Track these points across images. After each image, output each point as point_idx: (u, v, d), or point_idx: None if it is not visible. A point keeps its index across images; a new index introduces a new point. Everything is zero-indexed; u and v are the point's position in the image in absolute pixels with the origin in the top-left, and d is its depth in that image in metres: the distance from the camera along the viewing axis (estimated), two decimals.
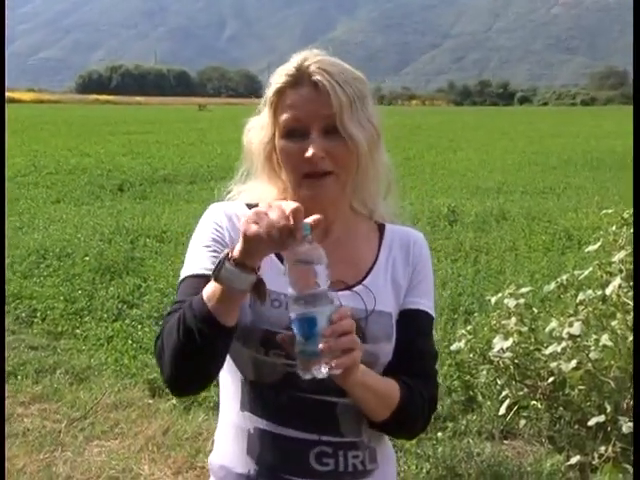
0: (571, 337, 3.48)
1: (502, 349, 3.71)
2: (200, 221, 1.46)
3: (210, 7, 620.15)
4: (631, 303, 3.03)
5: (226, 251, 1.19)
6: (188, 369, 1.25)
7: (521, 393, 3.76)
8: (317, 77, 1.33)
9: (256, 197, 1.45)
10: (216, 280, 1.19)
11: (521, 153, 21.61)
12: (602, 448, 3.40)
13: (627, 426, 3.18)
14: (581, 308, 3.61)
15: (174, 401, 4.29)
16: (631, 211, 3.24)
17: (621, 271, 3.39)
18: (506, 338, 3.72)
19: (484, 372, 3.97)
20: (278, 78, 1.38)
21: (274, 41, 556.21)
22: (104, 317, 5.77)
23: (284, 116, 1.35)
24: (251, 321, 1.32)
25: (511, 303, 3.82)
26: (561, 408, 3.77)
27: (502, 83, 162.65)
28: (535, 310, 4.04)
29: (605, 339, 3.39)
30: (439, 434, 3.77)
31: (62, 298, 6.12)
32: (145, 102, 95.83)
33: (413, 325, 1.42)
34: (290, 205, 1.14)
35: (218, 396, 4.21)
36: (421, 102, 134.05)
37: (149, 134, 28.26)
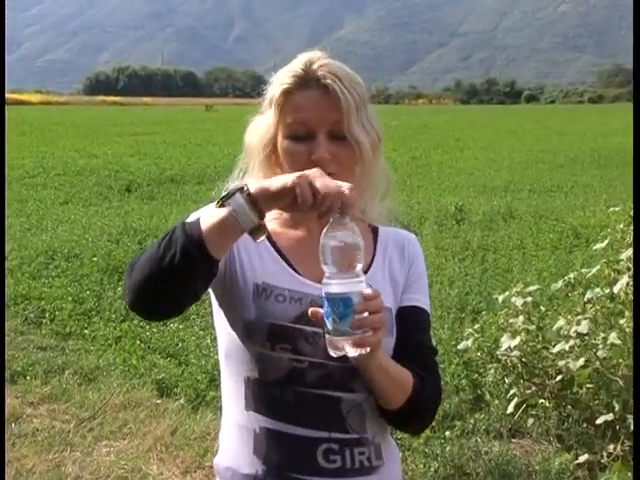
0: (579, 335, 3.47)
1: (510, 348, 3.70)
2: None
3: (218, 8, 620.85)
4: None
5: (243, 183, 1.18)
6: (156, 286, 1.19)
7: (529, 391, 3.75)
8: (327, 81, 1.35)
9: None
10: (221, 207, 1.17)
11: (528, 151, 21.56)
12: (611, 446, 3.40)
13: None
14: (589, 306, 3.61)
15: (182, 401, 4.30)
16: (632, 209, 3.23)
17: (629, 269, 3.38)
18: (514, 337, 3.72)
19: (492, 371, 3.97)
20: (285, 79, 1.38)
21: (281, 42, 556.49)
22: (112, 317, 5.78)
23: (291, 118, 1.36)
24: (255, 316, 1.33)
25: (519, 302, 3.82)
26: (569, 406, 3.77)
27: (509, 82, 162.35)
28: (543, 308, 4.04)
29: (613, 337, 3.38)
30: (447, 433, 3.77)
31: (70, 299, 6.14)
32: (152, 103, 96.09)
33: (411, 321, 1.44)
34: (346, 184, 1.17)
35: None
36: (428, 101, 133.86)
37: (156, 135, 28.33)
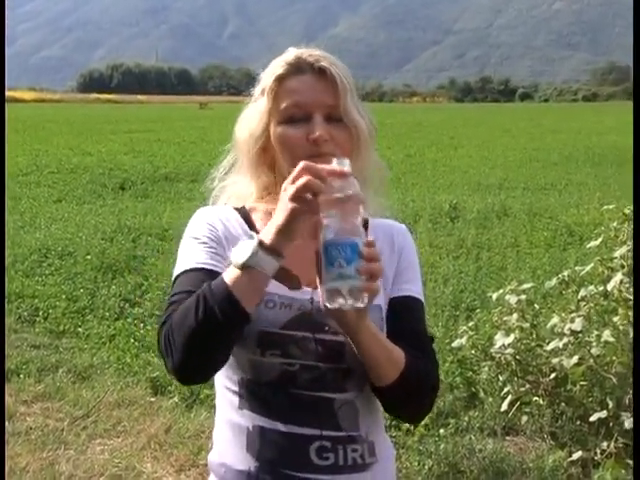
0: (573, 333, 3.48)
1: (504, 345, 3.71)
2: (190, 223, 1.46)
3: (212, 5, 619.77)
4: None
5: (256, 238, 1.19)
6: (202, 353, 1.21)
7: (523, 389, 3.77)
8: (322, 64, 1.35)
9: (237, 193, 1.47)
10: (243, 267, 1.18)
11: (522, 149, 21.60)
12: (604, 444, 3.41)
13: (629, 422, 3.18)
14: (583, 304, 3.62)
15: (176, 399, 4.30)
16: (632, 207, 3.24)
17: (622, 266, 3.39)
18: (508, 334, 3.73)
19: (486, 368, 3.98)
20: (277, 68, 1.38)
21: (275, 39, 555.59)
22: (106, 316, 5.77)
23: (285, 102, 1.35)
24: None
25: (513, 299, 3.82)
26: (563, 404, 3.78)
27: (503, 79, 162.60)
28: (537, 306, 4.05)
29: (607, 335, 3.39)
30: (441, 431, 3.77)
31: (64, 297, 6.13)
32: (146, 101, 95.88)
33: (404, 311, 1.41)
34: (297, 169, 1.17)
35: None
36: (422, 99, 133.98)
37: (150, 132, 28.27)
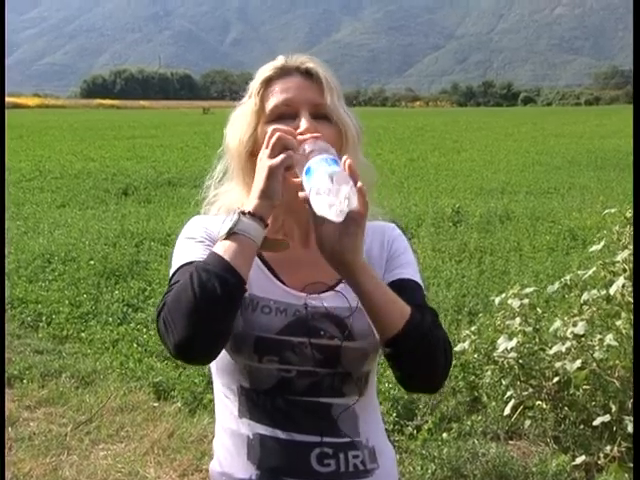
0: (575, 337, 3.48)
1: (507, 349, 3.71)
2: (184, 229, 1.47)
3: (214, 11, 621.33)
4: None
5: (238, 209, 1.22)
6: (203, 326, 1.18)
7: (526, 393, 3.76)
8: (309, 65, 1.38)
9: (229, 202, 1.46)
10: (230, 237, 1.21)
11: (525, 153, 21.59)
12: (607, 448, 3.40)
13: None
14: (585, 308, 3.61)
15: (179, 404, 4.30)
16: (632, 210, 3.23)
17: (625, 270, 3.39)
18: (510, 338, 3.72)
19: (489, 372, 3.97)
20: (264, 72, 1.41)
21: (278, 44, 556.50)
22: (109, 321, 5.77)
23: (273, 101, 1.37)
24: (242, 329, 1.32)
25: (515, 303, 3.82)
26: (566, 408, 3.77)
27: (506, 84, 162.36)
28: (539, 310, 4.04)
29: (610, 339, 3.38)
30: (444, 435, 3.76)
31: (67, 302, 6.13)
32: (149, 106, 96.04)
33: (399, 292, 1.32)
34: (268, 134, 1.25)
35: None
36: (424, 103, 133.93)
37: (153, 138, 28.33)
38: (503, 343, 3.72)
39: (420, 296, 1.41)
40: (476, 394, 4.22)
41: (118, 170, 16.11)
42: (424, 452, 3.59)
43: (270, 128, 1.26)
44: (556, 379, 3.67)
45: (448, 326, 5.35)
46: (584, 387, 3.64)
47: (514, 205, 11.52)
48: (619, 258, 3.48)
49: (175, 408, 4.27)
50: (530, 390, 3.78)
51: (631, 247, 3.34)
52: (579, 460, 3.41)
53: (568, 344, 3.49)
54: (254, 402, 1.36)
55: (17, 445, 3.82)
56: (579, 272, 3.84)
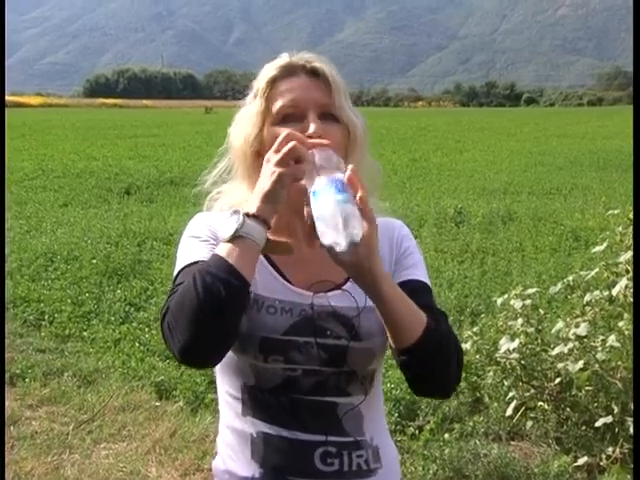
0: (578, 338, 3.48)
1: (509, 350, 3.71)
2: (188, 227, 1.46)
3: (217, 11, 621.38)
4: None
5: (240, 211, 1.21)
6: (209, 330, 1.18)
7: (528, 394, 3.76)
8: (315, 64, 1.36)
9: (232, 200, 1.45)
10: (234, 239, 1.20)
11: (528, 154, 21.57)
12: (610, 449, 3.40)
13: None
14: (588, 309, 3.61)
15: (181, 403, 4.30)
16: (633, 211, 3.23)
17: (627, 271, 3.38)
18: (513, 339, 3.72)
19: (491, 373, 3.97)
20: (269, 71, 1.38)
21: (281, 44, 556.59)
22: (111, 320, 5.78)
23: (279, 102, 1.35)
24: (247, 329, 1.31)
25: (518, 304, 3.82)
26: (568, 409, 3.76)
27: (509, 84, 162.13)
28: (542, 311, 4.04)
29: (612, 340, 3.38)
30: (446, 435, 3.76)
31: (70, 301, 6.14)
32: (152, 105, 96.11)
33: (409, 294, 1.30)
34: (280, 137, 1.23)
35: None
36: (427, 103, 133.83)
37: (156, 137, 28.34)
38: (505, 344, 3.72)
39: (430, 298, 1.40)
40: (478, 395, 4.22)
41: (120, 169, 16.12)
42: (426, 452, 3.59)
43: (283, 132, 1.24)
44: (558, 380, 3.67)
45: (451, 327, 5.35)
46: (586, 388, 3.64)
47: (516, 206, 11.52)
48: (622, 259, 3.48)
49: (177, 407, 4.27)
50: (532, 391, 3.78)
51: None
52: (581, 461, 3.41)
53: (570, 345, 3.49)
54: (258, 400, 1.36)
55: (19, 444, 3.83)
56: (582, 273, 3.84)
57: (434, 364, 1.28)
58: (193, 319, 1.17)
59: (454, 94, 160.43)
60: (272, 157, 1.21)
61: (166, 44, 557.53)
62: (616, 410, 3.41)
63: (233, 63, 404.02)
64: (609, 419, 3.34)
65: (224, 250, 1.20)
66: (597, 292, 3.58)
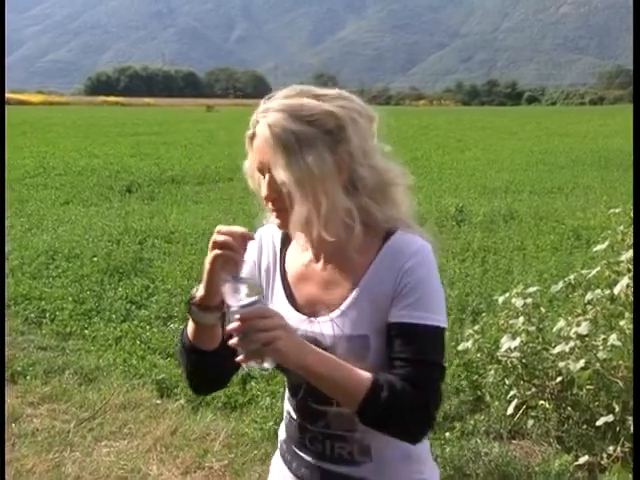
0: (579, 337, 3.48)
1: (510, 349, 3.71)
2: None
3: (219, 8, 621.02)
4: None
5: (192, 293, 1.46)
6: (195, 380, 1.59)
7: (529, 393, 3.76)
8: (257, 127, 1.44)
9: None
10: (192, 320, 1.48)
11: (529, 153, 21.57)
12: (610, 448, 3.40)
13: None
14: (589, 308, 3.61)
15: (182, 401, 4.30)
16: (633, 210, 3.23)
17: (629, 270, 3.38)
18: (514, 338, 3.72)
19: (492, 372, 3.97)
20: (250, 124, 1.46)
21: (282, 42, 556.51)
22: (112, 318, 5.78)
23: (253, 162, 1.48)
24: None
25: (519, 303, 3.82)
26: (569, 408, 3.77)
27: (510, 83, 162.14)
28: (543, 310, 4.04)
29: (613, 339, 3.38)
30: (447, 434, 3.77)
31: (71, 299, 6.15)
32: (153, 103, 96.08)
33: (396, 338, 1.41)
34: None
35: (226, 397, 4.16)
36: (429, 102, 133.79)
37: (157, 135, 28.34)
38: (506, 342, 3.72)
39: (415, 346, 1.40)
40: (479, 393, 4.22)
41: (122, 167, 16.13)
42: None
43: (217, 226, 1.40)
44: (559, 379, 3.67)
45: (451, 325, 5.35)
46: (587, 387, 3.64)
47: (518, 204, 11.51)
48: (623, 258, 3.48)
49: (178, 405, 4.27)
50: (533, 390, 3.78)
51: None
52: (582, 460, 3.41)
53: (572, 344, 3.49)
54: (288, 387, 1.66)
55: (20, 441, 3.84)
56: (583, 272, 3.84)
57: (381, 428, 1.41)
58: (184, 370, 1.59)
59: (455, 92, 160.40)
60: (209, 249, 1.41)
61: (167, 42, 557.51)
62: (617, 409, 3.41)
63: (234, 61, 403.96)
64: (610, 418, 3.34)
65: (189, 328, 1.51)
66: (598, 291, 3.58)
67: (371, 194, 1.48)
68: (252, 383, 4.42)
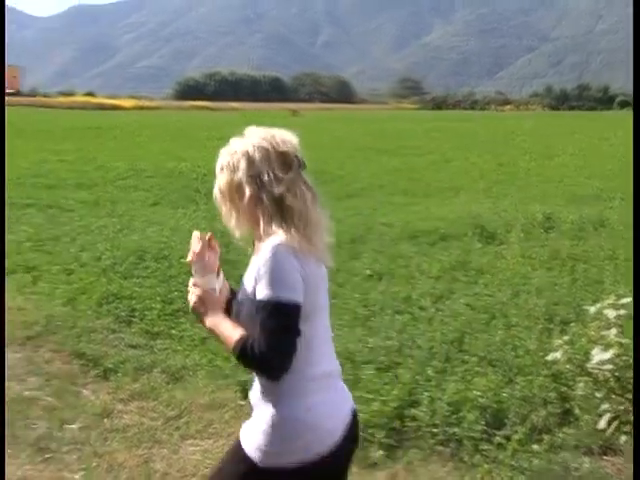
0: None
1: (602, 361, 3.59)
2: None
3: (305, 14, 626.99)
4: None
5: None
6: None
7: (622, 407, 3.63)
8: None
9: None
10: None
11: (621, 158, 20.86)
12: None
13: None
14: None
15: None
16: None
17: None
18: (606, 350, 3.61)
19: (582, 384, 3.85)
20: None
21: (368, 47, 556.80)
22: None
23: None
24: None
25: (611, 314, 3.70)
26: None
27: (602, 87, 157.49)
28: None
29: None
30: (535, 446, 3.67)
31: (159, 299, 6.29)
32: (240, 108, 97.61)
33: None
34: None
35: None
36: (515, 107, 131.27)
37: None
38: (598, 354, 3.61)
39: (259, 315, 1.98)
40: (568, 406, 4.10)
41: (208, 170, 16.26)
42: (513, 463, 3.51)
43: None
44: None
45: (539, 335, 5.22)
46: None
47: (609, 212, 11.16)
48: None
49: None
50: (626, 404, 3.65)
51: None
52: None
53: None
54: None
55: (112, 436, 3.96)
56: None
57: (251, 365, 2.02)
58: None
59: (544, 97, 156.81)
60: None
61: (254, 47, 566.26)
62: None
63: (320, 65, 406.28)
64: None
65: None
66: None
67: None
68: None
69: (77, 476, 3.58)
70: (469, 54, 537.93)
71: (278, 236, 2.04)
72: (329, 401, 2.06)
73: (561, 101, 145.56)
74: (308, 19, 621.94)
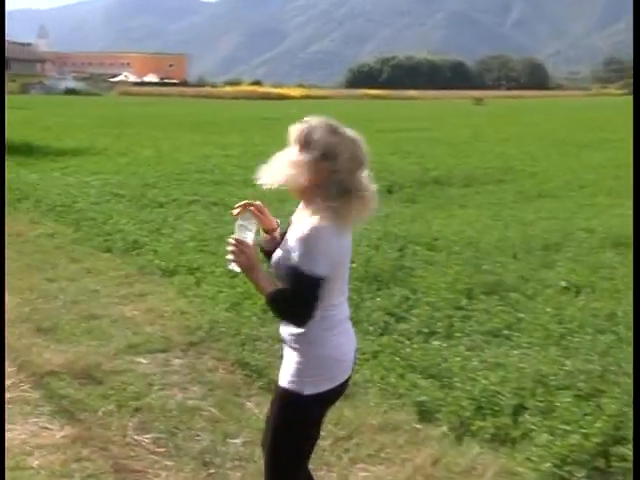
0: None
1: None
2: None
3: None
4: None
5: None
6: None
7: None
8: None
9: None
10: None
11: None
12: None
13: None
14: None
15: (445, 428, 4.29)
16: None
17: None
18: None
19: None
20: None
21: (566, 25, 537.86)
22: (370, 330, 5.84)
23: None
24: None
25: None
26: None
27: None
28: None
29: None
30: None
31: None
32: (417, 96, 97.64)
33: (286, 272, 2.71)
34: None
35: (495, 428, 4.04)
36: None
37: (420, 131, 28.78)
38: None
39: (290, 277, 2.64)
40: None
41: (382, 166, 16.43)
42: None
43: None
44: None
45: None
46: None
47: None
48: None
49: (440, 432, 4.27)
50: None
51: None
52: None
53: None
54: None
55: None
56: None
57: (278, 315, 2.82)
58: None
59: None
60: None
61: (434, 28, 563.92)
62: None
63: (510, 47, 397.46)
64: None
65: None
66: None
67: None
68: (526, 415, 4.30)
69: None
70: None
71: (321, 212, 2.61)
72: (348, 341, 2.89)
73: None
74: None
